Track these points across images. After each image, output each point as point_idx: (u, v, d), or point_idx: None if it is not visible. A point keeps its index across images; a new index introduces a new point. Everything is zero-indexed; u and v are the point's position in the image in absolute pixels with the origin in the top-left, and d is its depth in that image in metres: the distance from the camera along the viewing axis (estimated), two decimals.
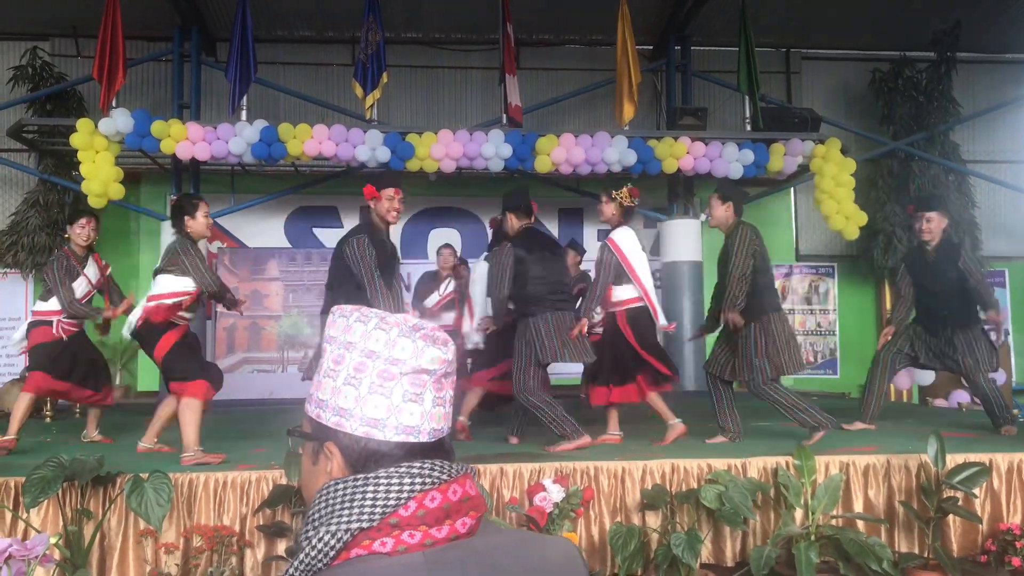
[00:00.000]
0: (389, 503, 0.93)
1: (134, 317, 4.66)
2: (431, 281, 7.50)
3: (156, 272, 4.75)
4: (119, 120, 8.80)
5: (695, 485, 3.89)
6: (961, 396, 8.79)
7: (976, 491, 3.93)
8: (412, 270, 10.10)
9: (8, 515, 3.61)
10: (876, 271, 11.28)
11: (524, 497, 3.81)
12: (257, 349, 10.38)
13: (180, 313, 4.64)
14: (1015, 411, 5.59)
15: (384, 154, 9.09)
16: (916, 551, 3.97)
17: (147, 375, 10.56)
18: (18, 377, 8.07)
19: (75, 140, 8.84)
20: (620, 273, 4.99)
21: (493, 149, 9.17)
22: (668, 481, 3.95)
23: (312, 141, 9.03)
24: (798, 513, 3.88)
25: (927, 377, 9.15)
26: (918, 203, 5.65)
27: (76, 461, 3.50)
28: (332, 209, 11.10)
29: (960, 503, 3.87)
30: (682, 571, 3.55)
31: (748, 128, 10.34)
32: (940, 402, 8.66)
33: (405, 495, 0.94)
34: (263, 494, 3.75)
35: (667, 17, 10.92)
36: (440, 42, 11.56)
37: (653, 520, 3.89)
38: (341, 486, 0.96)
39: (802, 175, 10.57)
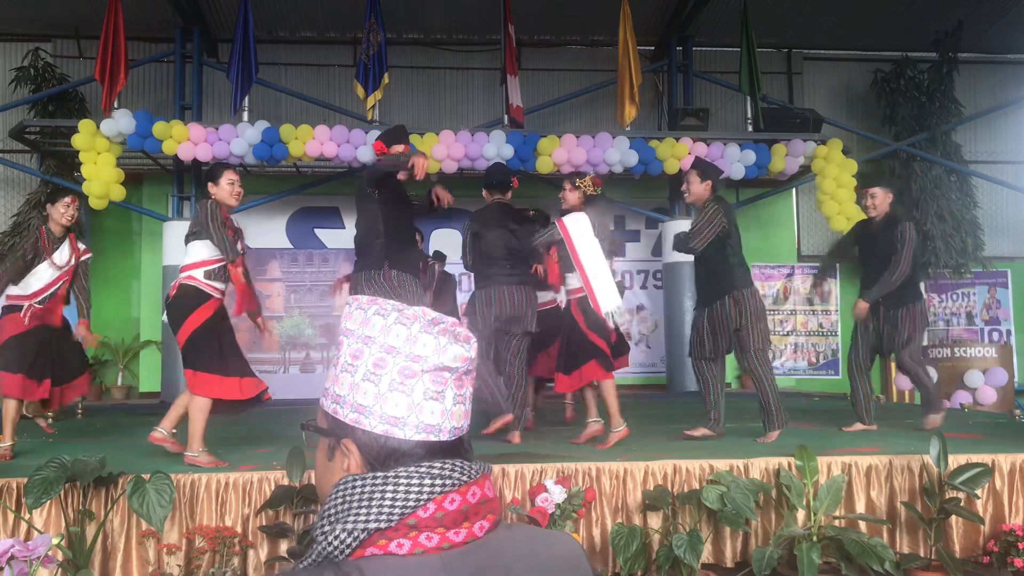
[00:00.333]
0: (408, 504, 0.92)
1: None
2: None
3: (186, 239, 4.63)
4: (121, 121, 8.81)
5: (697, 486, 3.89)
6: (963, 397, 8.79)
7: (978, 492, 3.92)
8: None
9: (10, 516, 3.62)
10: None
11: (526, 498, 3.80)
12: (258, 350, 10.38)
13: (212, 282, 4.47)
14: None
15: None
16: (918, 552, 3.97)
17: (149, 376, 10.58)
18: None
19: (77, 141, 8.85)
20: (568, 260, 4.94)
21: (494, 150, 9.18)
22: (670, 482, 3.95)
23: (314, 142, 9.04)
24: (800, 514, 3.88)
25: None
26: (862, 180, 5.78)
27: (78, 462, 3.50)
28: (334, 210, 11.11)
29: (962, 504, 3.86)
30: (684, 572, 3.55)
31: (750, 129, 10.33)
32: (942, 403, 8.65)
33: (425, 496, 0.92)
34: (265, 495, 3.75)
35: (668, 17, 10.92)
36: (441, 43, 11.57)
37: (655, 521, 3.89)
38: (359, 483, 0.94)
39: (804, 175, 10.57)
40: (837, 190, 9.71)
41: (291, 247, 11.08)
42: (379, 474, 0.94)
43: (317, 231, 11.12)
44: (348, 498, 0.93)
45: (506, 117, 9.79)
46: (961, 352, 9.27)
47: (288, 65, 11.30)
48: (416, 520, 0.91)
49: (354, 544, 0.91)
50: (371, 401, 0.96)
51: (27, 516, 3.56)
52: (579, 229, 4.84)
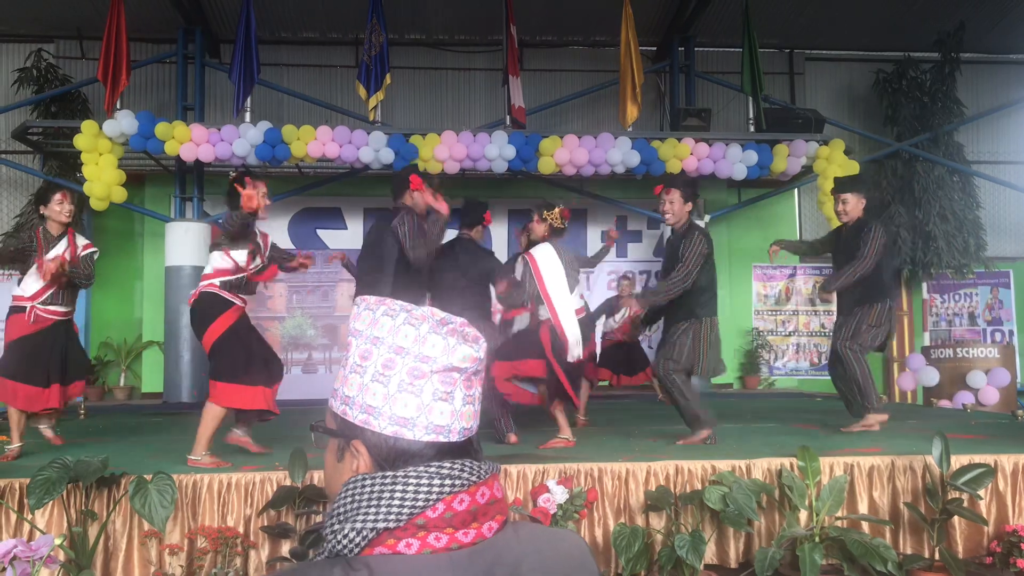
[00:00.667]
0: (417, 504, 0.92)
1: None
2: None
3: (210, 249, 4.58)
4: (123, 122, 8.83)
5: (699, 486, 3.88)
6: (966, 397, 8.77)
7: (981, 492, 3.91)
8: None
9: (13, 516, 3.62)
10: None
11: (528, 498, 3.80)
12: None
13: (229, 293, 4.42)
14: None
15: (388, 156, 9.10)
16: (921, 553, 3.96)
17: (152, 376, 10.59)
18: None
19: (79, 142, 8.86)
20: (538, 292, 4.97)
21: (497, 150, 9.18)
22: (672, 482, 3.94)
23: (316, 143, 9.05)
24: (802, 514, 3.88)
25: (931, 378, 9.13)
26: (836, 185, 5.65)
27: (80, 462, 3.50)
28: (336, 211, 11.12)
29: (965, 505, 3.86)
30: (686, 572, 3.55)
31: (752, 129, 10.33)
32: (944, 403, 8.65)
33: (434, 496, 0.92)
34: (267, 495, 3.75)
35: (670, 18, 10.93)
36: (443, 43, 11.57)
37: (657, 521, 3.89)
38: (369, 482, 0.94)
39: (806, 176, 10.56)
40: None
41: (293, 248, 11.08)
42: (388, 473, 0.94)
43: (319, 232, 11.12)
44: (357, 497, 0.93)
45: (508, 118, 9.79)
46: (963, 353, 9.25)
47: (290, 66, 11.32)
48: (425, 520, 0.91)
49: (363, 543, 0.91)
50: (380, 402, 0.96)
51: (29, 516, 3.57)
52: (546, 260, 4.91)
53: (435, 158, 9.14)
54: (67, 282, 4.94)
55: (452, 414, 0.97)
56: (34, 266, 4.87)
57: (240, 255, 4.42)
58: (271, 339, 10.60)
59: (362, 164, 9.22)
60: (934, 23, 11.03)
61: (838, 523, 3.85)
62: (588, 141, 9.38)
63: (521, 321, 5.27)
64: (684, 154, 9.52)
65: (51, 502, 3.46)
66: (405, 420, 0.95)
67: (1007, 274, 12.03)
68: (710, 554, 3.87)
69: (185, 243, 9.72)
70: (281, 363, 4.64)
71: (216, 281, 4.40)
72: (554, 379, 4.89)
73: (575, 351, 4.85)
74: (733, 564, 3.90)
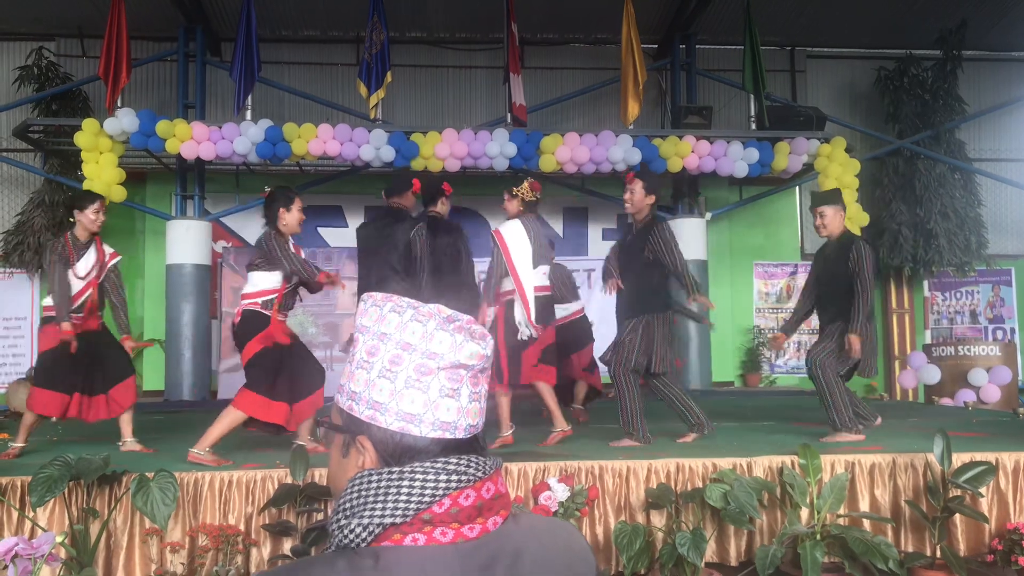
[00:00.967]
0: (424, 499, 0.92)
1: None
2: None
3: (248, 268, 4.68)
4: (124, 120, 8.82)
5: (700, 484, 3.89)
6: (967, 395, 8.77)
7: (982, 490, 3.91)
8: None
9: (15, 514, 3.62)
10: (882, 270, 11.25)
11: (529, 496, 3.81)
12: None
13: (269, 312, 4.55)
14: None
15: (389, 153, 9.10)
16: (922, 550, 3.96)
17: (153, 375, 10.59)
18: (24, 376, 8.08)
19: (80, 140, 8.86)
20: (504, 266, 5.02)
21: (497, 148, 9.17)
22: (673, 480, 3.94)
23: (317, 140, 9.04)
24: (804, 512, 3.88)
25: (933, 376, 9.13)
26: (813, 200, 5.45)
27: (82, 460, 3.51)
28: (337, 208, 11.11)
29: (966, 502, 3.86)
30: (687, 570, 3.55)
31: (753, 127, 10.32)
32: (946, 401, 8.64)
33: (440, 492, 0.93)
34: (268, 493, 3.76)
35: (672, 15, 10.91)
36: (444, 41, 11.56)
37: (658, 519, 3.89)
38: (375, 477, 0.94)
39: (807, 174, 10.55)
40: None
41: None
42: (395, 469, 0.94)
43: (320, 230, 11.12)
44: (364, 493, 0.94)
45: (509, 116, 9.79)
46: (965, 350, 9.24)
47: (291, 64, 11.31)
48: (431, 515, 0.92)
49: (369, 539, 0.91)
50: (387, 398, 0.96)
51: (31, 514, 3.57)
52: (513, 236, 4.98)
53: (436, 156, 9.14)
54: (98, 296, 5.01)
55: (458, 411, 0.97)
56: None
57: (275, 278, 4.57)
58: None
59: (363, 162, 9.22)
60: (936, 21, 11.01)
61: (839, 521, 3.85)
62: (589, 139, 9.37)
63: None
64: (685, 152, 9.51)
65: (53, 500, 3.47)
66: (411, 416, 0.95)
67: (1008, 272, 12.01)
68: (711, 552, 3.88)
69: (186, 241, 9.72)
70: (313, 381, 4.65)
71: (258, 300, 4.56)
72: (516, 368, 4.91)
73: (525, 331, 4.89)
74: (734, 562, 3.91)
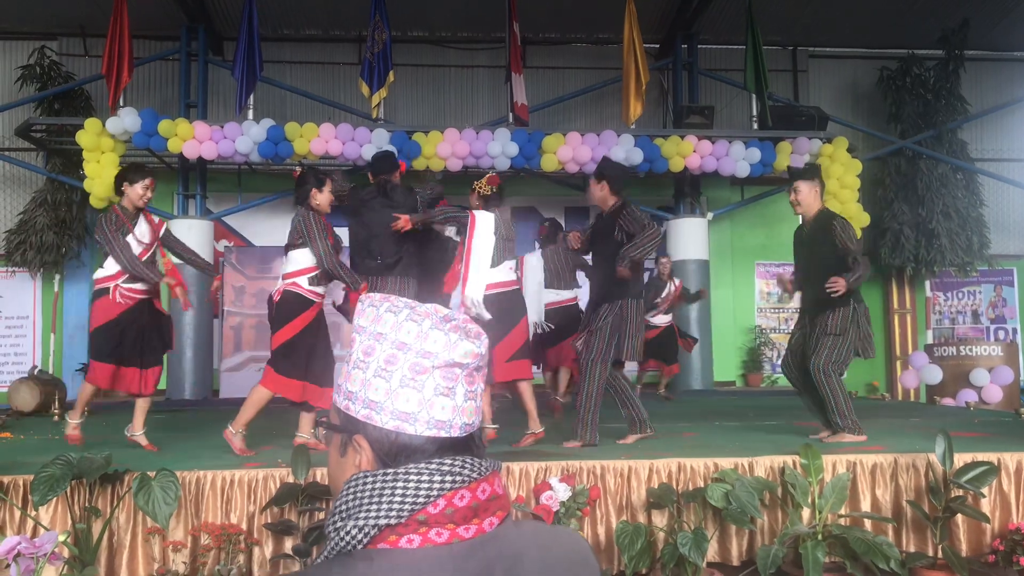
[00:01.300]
0: (419, 500, 0.92)
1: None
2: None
3: (285, 248, 4.78)
4: (126, 119, 8.83)
5: (702, 484, 3.88)
6: (969, 395, 8.76)
7: (984, 490, 3.90)
8: None
9: (17, 513, 3.63)
10: (883, 269, 11.25)
11: (530, 496, 3.81)
12: (263, 347, 10.36)
13: (315, 288, 4.68)
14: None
15: None
16: (924, 551, 3.96)
17: None
18: (27, 376, 8.09)
19: (82, 139, 8.88)
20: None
21: (499, 148, 9.18)
22: (675, 480, 3.94)
23: (319, 140, 9.05)
24: (805, 512, 3.87)
25: (935, 376, 9.12)
26: (790, 174, 5.25)
27: (84, 459, 3.51)
28: (338, 207, 11.09)
29: (968, 503, 3.85)
30: (688, 570, 3.55)
31: (755, 126, 10.31)
32: (948, 401, 8.64)
33: (435, 492, 0.93)
34: (270, 492, 3.76)
35: (674, 15, 10.90)
36: (446, 41, 11.56)
37: (659, 519, 3.89)
38: (370, 479, 0.95)
39: None
40: (840, 191, 9.71)
41: None
42: (389, 471, 0.95)
43: None
44: (359, 495, 0.94)
45: (511, 115, 9.79)
46: (967, 350, 9.23)
47: (293, 63, 11.32)
48: (426, 516, 0.92)
49: (365, 540, 0.92)
50: (382, 397, 0.97)
51: (33, 513, 3.58)
52: (484, 226, 5.03)
53: (437, 155, 9.15)
54: (150, 258, 4.96)
55: (453, 409, 0.97)
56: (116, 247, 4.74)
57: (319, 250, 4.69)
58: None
59: (365, 161, 9.22)
60: (938, 20, 11.00)
61: (841, 521, 3.85)
62: (591, 139, 9.37)
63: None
64: (687, 151, 9.51)
65: (55, 499, 3.47)
66: (407, 415, 0.96)
67: (1011, 272, 12.00)
68: (712, 552, 3.87)
69: (188, 240, 9.57)
70: (328, 364, 4.72)
71: (302, 279, 4.66)
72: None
73: (470, 296, 4.93)
74: (735, 562, 3.90)
